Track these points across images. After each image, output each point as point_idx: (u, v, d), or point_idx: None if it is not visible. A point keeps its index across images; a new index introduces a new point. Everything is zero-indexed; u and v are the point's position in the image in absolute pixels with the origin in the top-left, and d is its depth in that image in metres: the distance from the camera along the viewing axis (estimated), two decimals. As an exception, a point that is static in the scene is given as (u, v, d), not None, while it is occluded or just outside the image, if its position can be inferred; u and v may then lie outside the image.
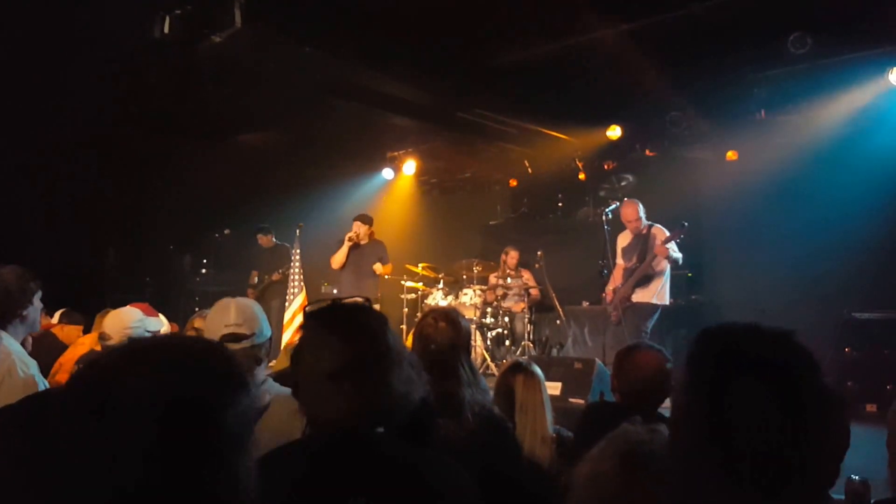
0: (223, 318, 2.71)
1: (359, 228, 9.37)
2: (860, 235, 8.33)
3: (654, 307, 7.78)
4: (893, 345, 7.86)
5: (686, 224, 7.68)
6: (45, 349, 5.43)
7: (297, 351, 1.87)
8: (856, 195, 8.29)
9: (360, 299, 2.00)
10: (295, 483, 1.69)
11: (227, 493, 1.18)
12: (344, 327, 1.85)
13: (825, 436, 1.38)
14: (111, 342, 4.04)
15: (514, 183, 12.98)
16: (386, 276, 9.70)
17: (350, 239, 9.31)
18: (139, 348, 1.25)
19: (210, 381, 1.20)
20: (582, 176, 11.55)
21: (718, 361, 1.41)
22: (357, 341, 1.81)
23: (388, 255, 9.51)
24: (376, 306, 7.96)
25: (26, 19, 6.77)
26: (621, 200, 8.28)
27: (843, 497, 2.85)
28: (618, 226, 8.24)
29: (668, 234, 7.80)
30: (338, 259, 9.43)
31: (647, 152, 10.68)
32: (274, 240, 11.13)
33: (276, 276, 10.58)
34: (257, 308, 2.83)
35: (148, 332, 4.21)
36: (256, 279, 10.99)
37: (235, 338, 2.65)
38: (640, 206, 8.02)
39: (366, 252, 9.39)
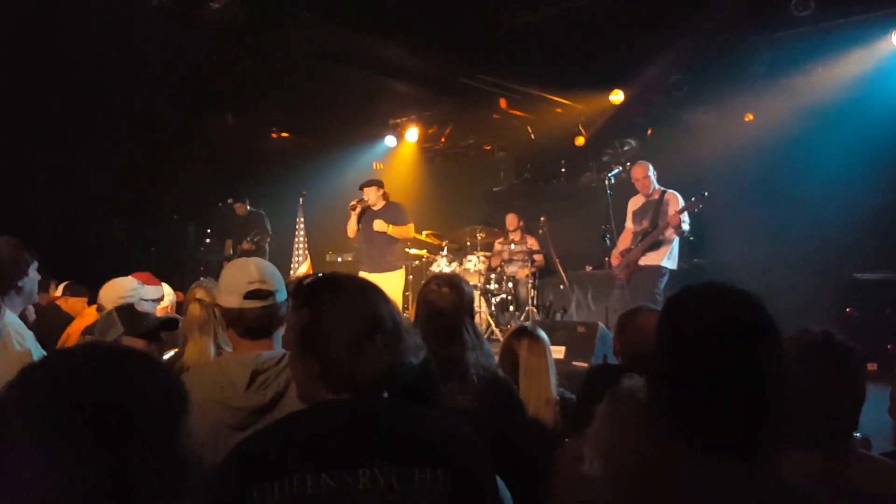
0: (244, 275, 2.60)
1: (367, 194, 8.81)
2: (862, 196, 8.33)
3: (663, 270, 7.74)
4: (894, 304, 7.90)
5: (707, 193, 7.55)
6: (51, 321, 5.46)
7: (311, 322, 1.85)
8: (858, 157, 8.28)
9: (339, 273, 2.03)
10: (312, 448, 1.71)
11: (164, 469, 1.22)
12: (357, 291, 1.89)
13: (785, 390, 1.45)
14: (105, 313, 4.04)
15: (508, 152, 12.99)
16: (402, 238, 8.97)
17: (352, 207, 8.88)
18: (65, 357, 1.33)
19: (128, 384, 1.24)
20: (580, 141, 11.51)
21: (690, 325, 1.49)
22: (374, 301, 1.86)
23: (404, 216, 8.82)
24: (401, 272, 7.66)
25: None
26: (624, 165, 8.25)
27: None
28: (620, 191, 8.22)
29: (681, 200, 7.73)
30: (350, 229, 8.97)
31: (649, 132, 10.71)
32: (248, 207, 10.90)
33: (246, 245, 10.27)
34: (274, 267, 2.73)
35: (144, 300, 4.18)
36: (231, 250, 10.79)
37: (260, 294, 2.56)
38: (651, 167, 7.96)
39: (384, 217, 8.75)
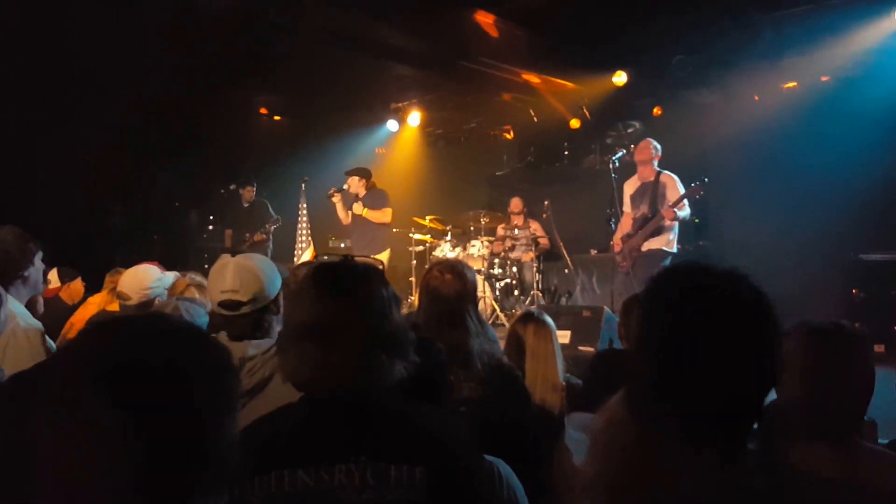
0: (219, 281, 2.57)
1: (350, 182, 9.21)
2: (867, 177, 8.29)
3: (666, 254, 7.73)
4: (900, 285, 7.88)
5: (706, 179, 7.51)
6: (53, 312, 5.48)
7: (286, 300, 1.87)
8: (862, 136, 8.24)
9: (370, 260, 1.98)
10: (290, 445, 1.71)
11: (217, 455, 1.17)
12: (326, 287, 1.83)
13: (778, 374, 1.37)
14: (130, 302, 4.03)
15: (511, 136, 12.99)
16: (378, 223, 9.12)
17: (329, 196, 9.22)
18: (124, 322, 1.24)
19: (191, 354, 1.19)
20: (575, 123, 11.51)
21: (673, 303, 1.40)
22: (332, 303, 1.79)
23: (383, 201, 9.14)
24: (383, 255, 7.81)
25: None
26: (628, 148, 8.20)
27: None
28: (625, 174, 8.18)
29: (678, 181, 7.68)
30: (340, 217, 9.34)
31: (655, 111, 10.65)
32: (254, 195, 10.63)
33: (258, 237, 9.97)
34: (262, 264, 2.65)
35: (167, 289, 4.19)
36: (231, 240, 10.50)
37: (232, 305, 2.53)
38: (654, 145, 7.87)
39: (364, 203, 9.14)
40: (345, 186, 9.20)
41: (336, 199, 9.21)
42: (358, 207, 9.02)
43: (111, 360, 1.11)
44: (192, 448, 1.13)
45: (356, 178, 9.22)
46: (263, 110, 12.14)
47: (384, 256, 9.03)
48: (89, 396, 1.07)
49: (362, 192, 9.18)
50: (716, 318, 1.33)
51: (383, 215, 9.08)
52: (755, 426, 1.38)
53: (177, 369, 1.13)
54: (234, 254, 2.66)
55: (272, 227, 10.02)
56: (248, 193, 10.55)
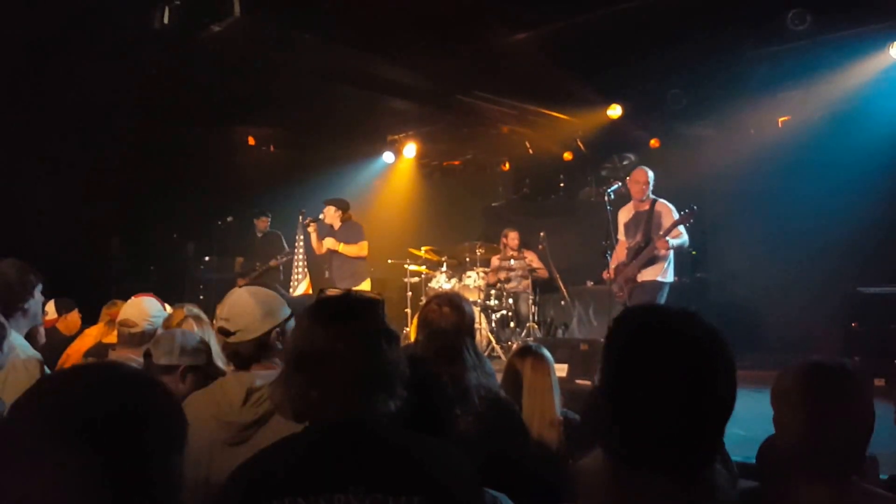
0: (220, 310, 2.68)
1: (326, 212, 9.21)
2: (865, 210, 8.32)
3: (661, 285, 7.68)
4: (900, 319, 7.85)
5: (696, 207, 7.49)
6: (50, 343, 5.46)
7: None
8: (859, 170, 8.28)
9: (372, 295, 2.01)
10: (291, 474, 1.71)
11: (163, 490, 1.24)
12: (320, 317, 1.87)
13: (728, 407, 1.42)
14: (135, 330, 4.05)
15: (506, 167, 13.06)
16: (353, 256, 9.12)
17: (306, 225, 9.26)
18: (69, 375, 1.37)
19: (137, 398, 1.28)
20: (568, 156, 11.61)
21: (628, 340, 1.50)
22: (323, 333, 1.83)
23: (359, 235, 9.13)
24: (364, 286, 7.81)
25: (27, 9, 6.76)
26: (623, 180, 8.20)
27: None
28: (620, 206, 8.19)
29: (673, 210, 7.66)
30: (313, 246, 9.35)
31: (652, 143, 10.69)
32: (269, 226, 10.91)
33: (273, 262, 10.23)
34: (260, 297, 2.70)
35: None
36: (241, 267, 10.74)
37: (223, 332, 2.63)
38: (650, 173, 7.87)
39: (338, 236, 9.13)
40: (320, 216, 9.20)
41: (311, 228, 9.22)
42: (331, 241, 9.01)
43: (72, 408, 1.20)
44: (141, 482, 1.21)
45: (332, 208, 9.20)
46: (252, 140, 12.17)
47: (365, 287, 9.03)
48: (55, 443, 1.15)
49: (337, 224, 9.15)
50: (666, 353, 1.40)
51: (359, 249, 9.07)
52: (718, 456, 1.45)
53: (130, 413, 1.23)
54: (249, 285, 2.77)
55: (282, 259, 10.21)
56: (263, 224, 10.82)
